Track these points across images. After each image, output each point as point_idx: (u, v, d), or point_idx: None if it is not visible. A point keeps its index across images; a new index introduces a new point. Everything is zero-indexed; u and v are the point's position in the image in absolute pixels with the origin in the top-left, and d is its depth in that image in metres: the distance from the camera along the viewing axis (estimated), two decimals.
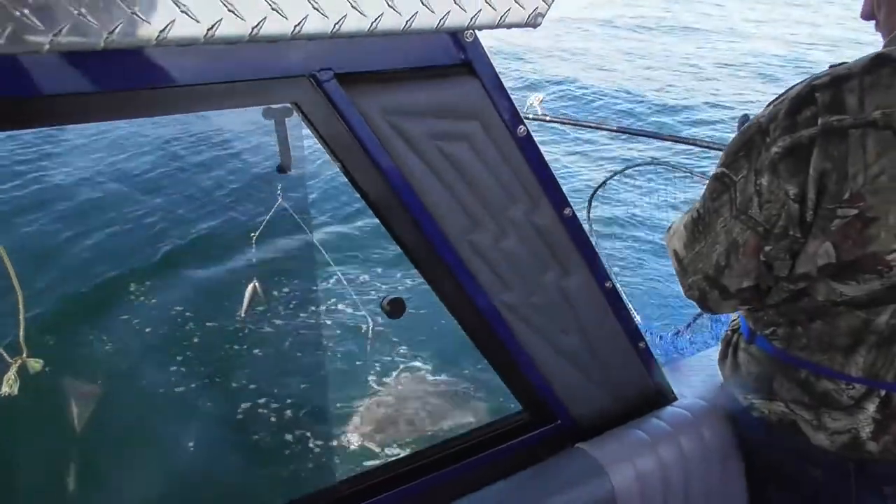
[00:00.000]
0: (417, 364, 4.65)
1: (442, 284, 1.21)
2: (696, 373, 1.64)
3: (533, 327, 1.27)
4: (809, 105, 1.05)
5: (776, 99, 1.14)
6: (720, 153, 1.21)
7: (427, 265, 1.19)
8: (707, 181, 1.22)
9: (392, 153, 1.05)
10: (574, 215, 1.24)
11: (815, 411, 1.23)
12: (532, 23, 0.95)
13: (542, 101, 3.85)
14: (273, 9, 0.78)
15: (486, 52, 1.07)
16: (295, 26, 0.80)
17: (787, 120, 1.07)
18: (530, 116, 3.82)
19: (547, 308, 1.28)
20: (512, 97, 1.12)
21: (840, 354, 1.19)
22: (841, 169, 1.03)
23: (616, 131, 4.36)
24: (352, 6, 0.82)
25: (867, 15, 1.20)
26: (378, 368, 4.60)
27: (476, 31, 1.01)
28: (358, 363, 4.64)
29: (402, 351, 4.75)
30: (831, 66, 1.10)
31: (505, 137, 1.13)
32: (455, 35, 1.02)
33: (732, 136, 1.21)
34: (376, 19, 0.84)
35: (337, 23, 0.82)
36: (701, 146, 3.77)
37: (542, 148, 1.16)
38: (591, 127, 4.30)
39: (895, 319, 1.13)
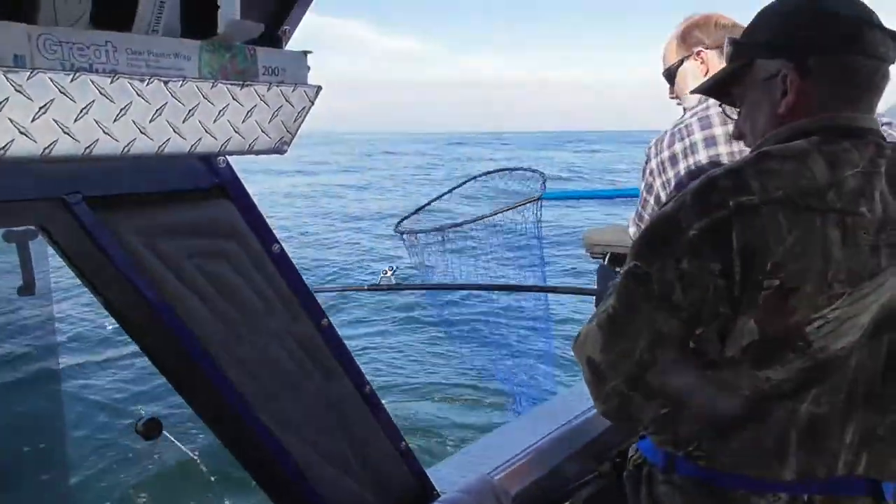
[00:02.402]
0: None
1: (203, 400, 1.21)
2: (459, 469, 1.76)
3: (297, 433, 1.30)
4: (715, 190, 1.08)
5: (667, 202, 1.16)
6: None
7: (187, 383, 1.19)
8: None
9: (149, 273, 1.07)
10: (331, 325, 1.33)
11: None
12: (278, 150, 1.05)
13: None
14: (21, 132, 0.79)
15: (239, 176, 1.15)
16: (45, 149, 0.82)
17: (696, 204, 1.09)
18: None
19: (310, 413, 1.32)
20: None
21: (773, 460, 1.15)
22: (761, 240, 1.05)
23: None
24: (103, 132, 0.86)
25: (737, 135, 1.29)
26: None
27: (227, 156, 1.10)
28: None
29: None
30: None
31: (260, 255, 1.20)
32: (208, 160, 1.09)
33: None
34: (129, 144, 0.88)
35: (88, 146, 0.85)
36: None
37: None
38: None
39: (813, 406, 1.11)
